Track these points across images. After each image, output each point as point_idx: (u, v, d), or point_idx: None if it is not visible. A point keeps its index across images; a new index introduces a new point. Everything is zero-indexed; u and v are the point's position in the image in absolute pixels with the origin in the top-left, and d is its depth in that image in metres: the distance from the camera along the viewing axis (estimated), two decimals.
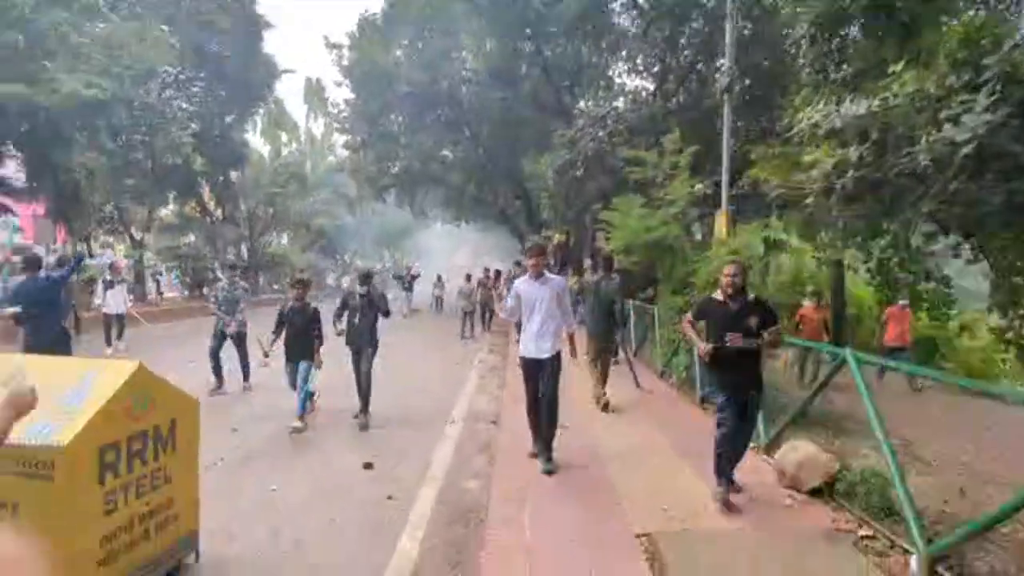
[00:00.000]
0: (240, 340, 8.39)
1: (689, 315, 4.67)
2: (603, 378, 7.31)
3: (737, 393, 4.21)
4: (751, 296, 4.33)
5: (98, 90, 12.26)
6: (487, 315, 16.57)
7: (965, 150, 4.44)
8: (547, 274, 5.13)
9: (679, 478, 4.83)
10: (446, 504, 4.45)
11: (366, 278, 6.85)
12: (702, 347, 4.27)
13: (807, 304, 9.97)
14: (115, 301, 11.61)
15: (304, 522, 4.16)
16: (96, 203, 17.70)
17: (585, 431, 6.32)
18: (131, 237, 21.81)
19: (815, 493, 4.22)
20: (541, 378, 5.05)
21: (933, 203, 5.40)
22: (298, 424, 6.44)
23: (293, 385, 6.78)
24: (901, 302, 10.45)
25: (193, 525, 3.55)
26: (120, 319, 11.73)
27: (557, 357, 5.07)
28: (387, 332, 15.99)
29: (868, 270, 11.91)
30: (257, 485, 4.85)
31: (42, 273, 6.90)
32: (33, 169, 14.36)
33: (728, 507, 4.11)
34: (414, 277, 23.91)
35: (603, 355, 7.39)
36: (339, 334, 6.82)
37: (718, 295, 4.36)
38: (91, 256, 19.19)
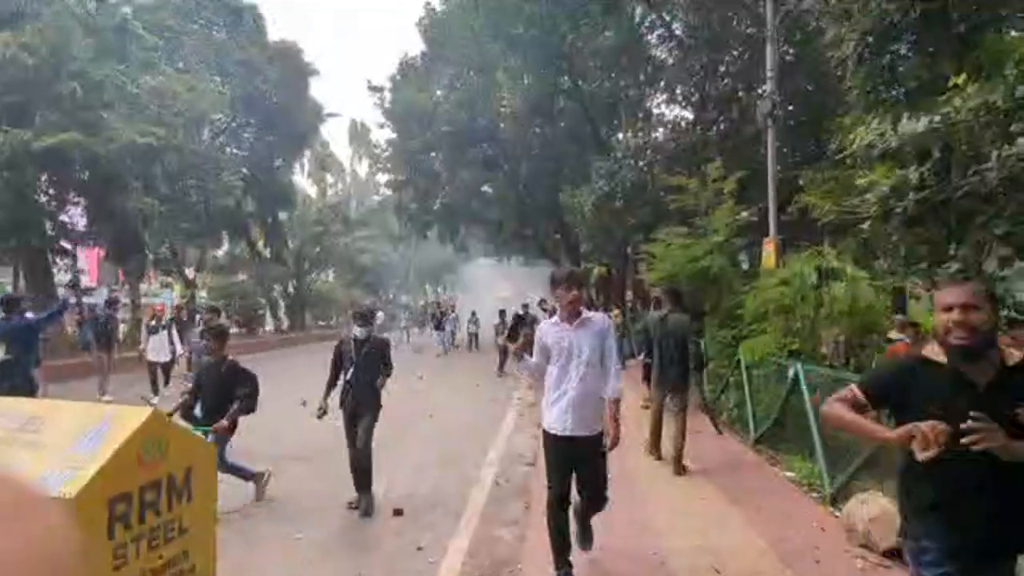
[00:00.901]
0: None
1: (855, 388, 2.22)
2: (681, 435, 5.99)
3: (987, 559, 1.97)
4: (1012, 358, 2.03)
5: (152, 138, 12.89)
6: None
7: None
8: (585, 312, 3.59)
9: (730, 530, 4.39)
10: (478, 557, 4.16)
11: (364, 319, 5.25)
12: (910, 439, 1.85)
13: (898, 338, 8.56)
14: (158, 348, 10.35)
15: (327, 574, 3.93)
16: (152, 245, 18.45)
17: (639, 508, 4.99)
18: (185, 277, 22.62)
19: (891, 554, 3.73)
20: (578, 468, 3.53)
21: (1008, 224, 4.92)
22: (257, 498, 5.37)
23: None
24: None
25: None
26: (166, 368, 10.47)
27: (602, 438, 3.57)
28: (419, 370, 15.85)
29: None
30: (281, 532, 4.66)
31: (30, 315, 6.92)
32: (93, 214, 15.12)
33: None
34: (443, 314, 22.29)
35: (676, 404, 6.14)
36: (320, 414, 5.19)
37: (933, 351, 2.10)
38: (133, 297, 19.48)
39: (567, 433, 3.46)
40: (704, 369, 6.69)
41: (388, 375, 5.24)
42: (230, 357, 5.34)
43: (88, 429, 2.96)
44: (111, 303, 11.89)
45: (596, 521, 3.89)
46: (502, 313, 16.58)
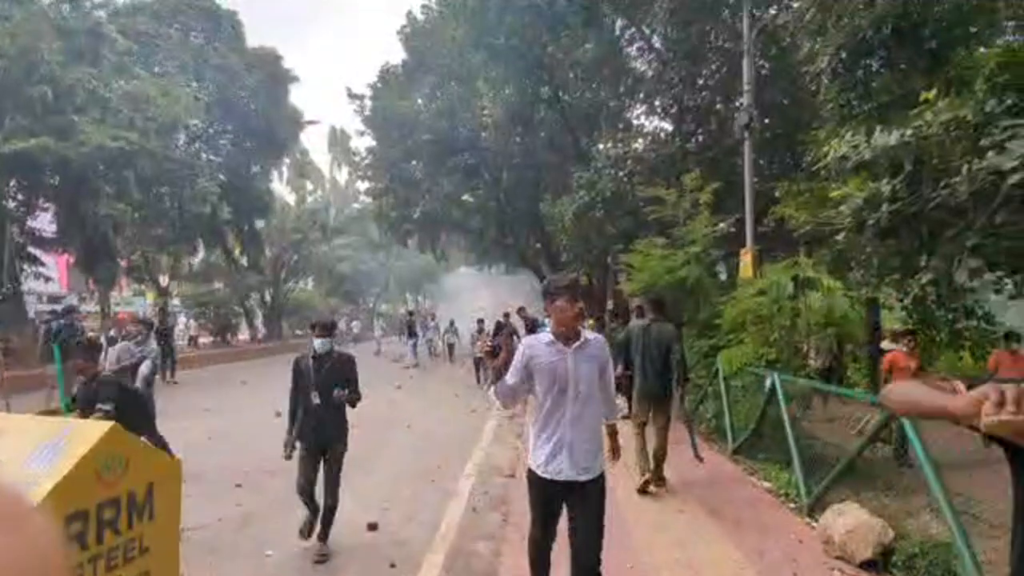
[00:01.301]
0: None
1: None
2: (661, 449, 5.71)
3: None
4: None
5: (124, 142, 12.63)
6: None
7: (1012, 179, 4.08)
8: (584, 332, 2.99)
9: (707, 544, 4.36)
10: (453, 572, 4.06)
11: (325, 329, 4.40)
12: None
13: (894, 348, 8.30)
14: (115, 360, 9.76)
15: None
16: (123, 252, 18.06)
17: (616, 522, 4.68)
18: (157, 285, 22.16)
19: (868, 565, 3.73)
20: (573, 513, 2.96)
21: (978, 237, 5.00)
22: None
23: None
24: (1014, 345, 8.09)
25: None
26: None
27: (603, 479, 2.99)
28: (396, 380, 15.48)
29: (904, 308, 11.32)
30: (253, 548, 4.53)
31: None
32: (63, 220, 14.75)
33: None
34: (413, 323, 21.21)
35: (659, 418, 5.80)
36: (288, 454, 4.42)
37: None
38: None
39: (561, 478, 2.89)
40: (688, 381, 6.32)
41: (355, 399, 4.45)
42: (104, 372, 4.72)
43: (44, 443, 2.83)
44: (67, 311, 11.15)
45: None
46: (480, 322, 16.14)
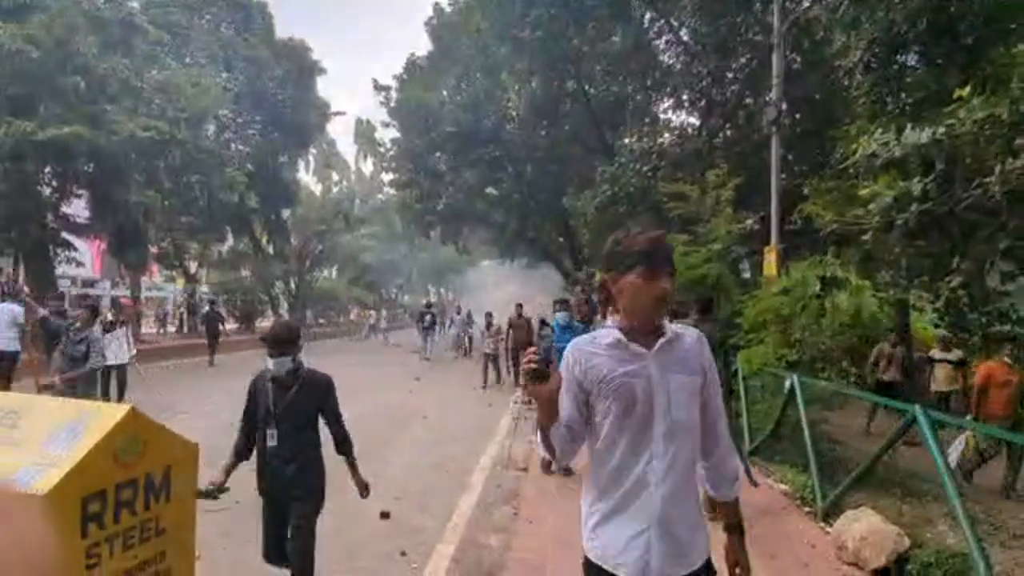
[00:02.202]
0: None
1: None
2: None
3: None
4: None
5: (155, 132, 12.92)
6: (516, 360, 12.80)
7: None
8: (671, 325, 1.72)
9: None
10: (463, 563, 4.10)
11: (279, 344, 3.08)
12: None
13: (947, 357, 7.69)
14: (112, 348, 8.30)
15: None
16: (154, 239, 18.50)
17: None
18: (186, 272, 22.65)
19: (881, 573, 3.65)
20: None
21: (1011, 238, 4.85)
22: None
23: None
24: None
25: None
26: (120, 373, 8.55)
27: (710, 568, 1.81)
28: (412, 373, 15.16)
29: (936, 311, 11.02)
30: None
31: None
32: (96, 207, 15.16)
33: None
34: (430, 315, 20.40)
35: None
36: (213, 492, 2.98)
37: None
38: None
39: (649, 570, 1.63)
40: (733, 393, 5.52)
41: (348, 451, 3.39)
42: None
43: (64, 425, 2.91)
44: (58, 297, 10.00)
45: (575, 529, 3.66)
46: (488, 316, 14.71)
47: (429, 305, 23.28)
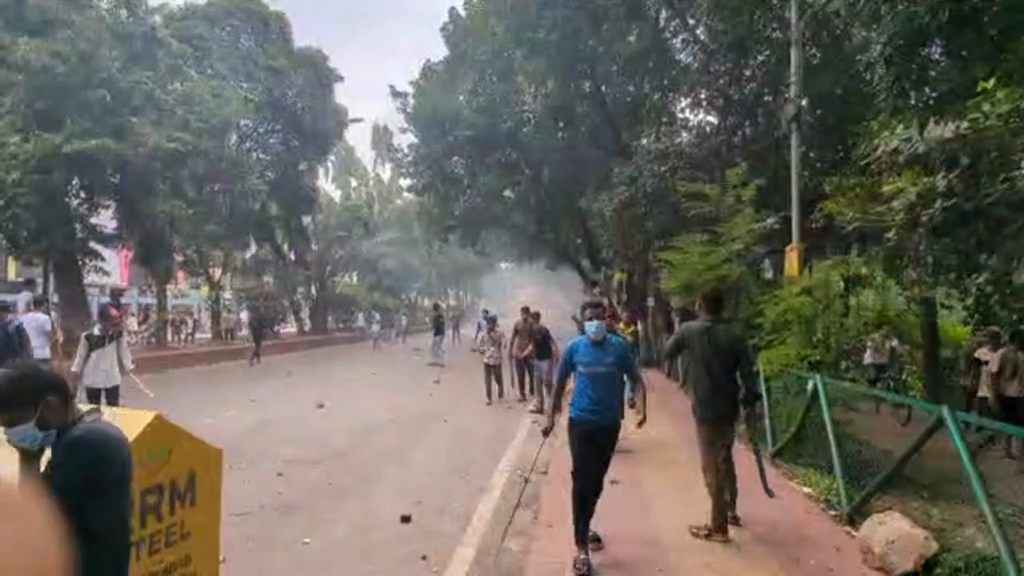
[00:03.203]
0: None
1: None
2: (731, 485, 4.66)
3: None
4: None
5: (178, 143, 13.20)
6: (526, 372, 11.72)
7: None
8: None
9: (742, 549, 4.26)
10: (483, 567, 4.10)
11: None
12: None
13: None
14: (102, 367, 6.68)
15: None
16: (179, 247, 18.88)
17: (646, 519, 4.71)
18: (210, 279, 23.07)
19: None
20: None
21: None
22: None
23: None
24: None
25: None
26: (112, 395, 6.74)
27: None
28: (431, 378, 14.85)
29: (965, 308, 10.76)
30: (291, 536, 4.67)
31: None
32: (122, 217, 15.53)
33: None
34: (440, 318, 19.12)
35: (723, 447, 4.62)
36: None
37: None
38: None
39: None
40: (758, 400, 5.04)
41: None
42: None
43: None
44: (38, 303, 9.42)
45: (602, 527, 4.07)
46: (489, 317, 12.96)
47: (436, 307, 21.39)
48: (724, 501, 4.45)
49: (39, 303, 9.43)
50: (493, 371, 11.44)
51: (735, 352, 4.54)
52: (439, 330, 18.71)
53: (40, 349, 8.13)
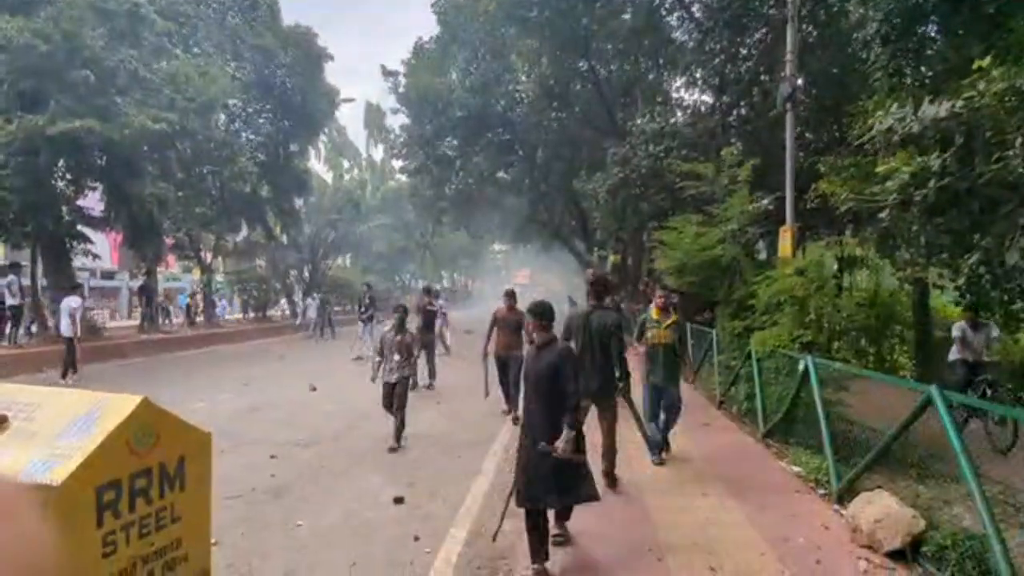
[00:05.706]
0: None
1: None
2: (611, 450, 5.17)
3: None
4: None
5: (165, 124, 12.95)
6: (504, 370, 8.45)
7: None
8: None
9: (730, 528, 4.31)
10: (475, 548, 4.13)
11: None
12: None
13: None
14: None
15: (323, 563, 3.93)
16: (168, 230, 18.65)
17: (636, 501, 4.90)
18: (200, 262, 22.86)
19: (895, 555, 3.62)
20: None
21: None
22: None
23: None
24: None
25: (204, 565, 3.37)
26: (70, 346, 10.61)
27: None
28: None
29: (957, 288, 10.80)
30: (283, 518, 4.68)
31: None
32: (110, 200, 15.28)
33: None
34: (371, 302, 15.48)
35: (605, 417, 5.15)
36: None
37: None
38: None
39: None
40: (629, 378, 5.22)
41: None
42: None
43: (78, 416, 2.95)
44: (73, 288, 11.85)
45: (589, 509, 4.06)
46: (429, 291, 10.97)
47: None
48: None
49: (75, 287, 11.75)
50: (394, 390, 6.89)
51: (606, 336, 5.04)
52: (368, 318, 15.12)
53: (68, 327, 10.53)
